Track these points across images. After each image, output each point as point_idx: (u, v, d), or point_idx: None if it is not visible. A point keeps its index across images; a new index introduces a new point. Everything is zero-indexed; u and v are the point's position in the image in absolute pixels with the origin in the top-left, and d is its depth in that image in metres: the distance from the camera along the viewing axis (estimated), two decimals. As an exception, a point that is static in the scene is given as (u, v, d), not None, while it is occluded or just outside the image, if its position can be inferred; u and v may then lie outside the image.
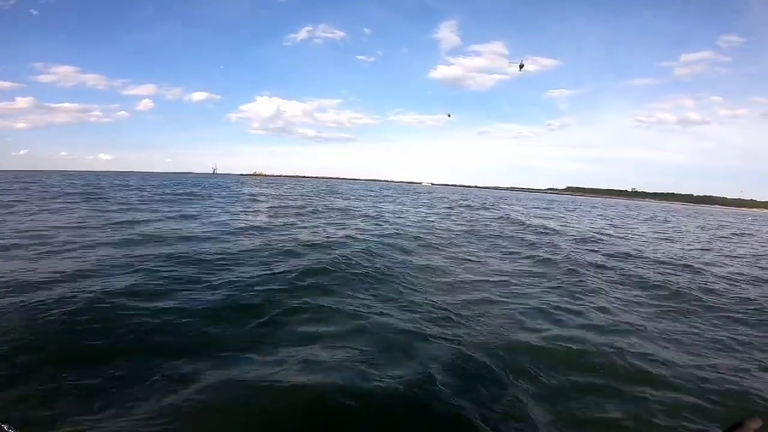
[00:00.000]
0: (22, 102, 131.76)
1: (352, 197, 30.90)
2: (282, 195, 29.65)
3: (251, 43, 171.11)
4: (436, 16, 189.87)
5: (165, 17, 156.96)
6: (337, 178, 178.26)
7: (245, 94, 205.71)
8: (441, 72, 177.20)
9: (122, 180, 48.50)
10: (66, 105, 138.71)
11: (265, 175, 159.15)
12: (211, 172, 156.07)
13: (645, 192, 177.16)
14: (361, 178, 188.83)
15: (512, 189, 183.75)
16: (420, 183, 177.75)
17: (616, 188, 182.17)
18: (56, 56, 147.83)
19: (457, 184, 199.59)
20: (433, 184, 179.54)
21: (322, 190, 43.33)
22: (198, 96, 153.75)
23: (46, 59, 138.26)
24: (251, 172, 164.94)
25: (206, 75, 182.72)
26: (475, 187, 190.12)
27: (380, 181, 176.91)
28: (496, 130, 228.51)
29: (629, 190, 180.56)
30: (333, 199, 27.24)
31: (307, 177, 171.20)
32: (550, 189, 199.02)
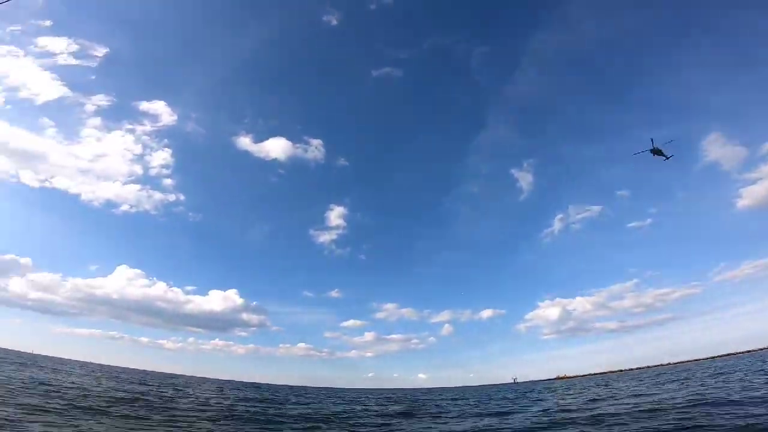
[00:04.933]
0: (369, 336, 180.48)
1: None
2: None
3: (513, 251, 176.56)
4: (694, 138, 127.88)
5: (436, 248, 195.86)
6: (667, 365, 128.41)
7: (527, 304, 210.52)
8: (750, 194, 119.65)
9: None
10: (394, 336, 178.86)
11: (569, 377, 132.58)
12: (512, 381, 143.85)
13: None
14: (703, 356, 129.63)
15: None
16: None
17: None
18: (381, 296, 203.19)
19: None
20: None
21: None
22: (486, 313, 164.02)
23: (376, 299, 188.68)
24: (554, 376, 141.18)
25: (486, 294, 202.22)
26: None
27: (727, 355, 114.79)
28: None
29: None
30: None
31: (631, 370, 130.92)
32: None
